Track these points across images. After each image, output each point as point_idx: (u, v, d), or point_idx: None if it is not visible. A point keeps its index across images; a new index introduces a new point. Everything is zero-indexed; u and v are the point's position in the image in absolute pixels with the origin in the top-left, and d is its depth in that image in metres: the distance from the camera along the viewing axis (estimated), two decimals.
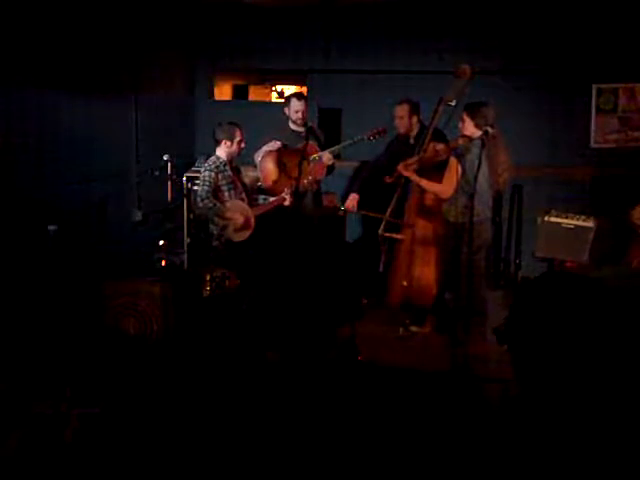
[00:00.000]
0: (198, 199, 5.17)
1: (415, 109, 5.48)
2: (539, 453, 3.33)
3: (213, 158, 5.30)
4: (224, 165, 5.30)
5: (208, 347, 4.54)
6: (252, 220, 5.28)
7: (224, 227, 5.19)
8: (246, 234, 5.26)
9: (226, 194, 5.29)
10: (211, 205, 5.14)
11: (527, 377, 3.85)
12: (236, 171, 5.46)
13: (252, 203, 5.51)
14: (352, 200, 5.54)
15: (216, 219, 5.19)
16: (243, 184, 5.51)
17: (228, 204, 5.24)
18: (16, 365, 4.00)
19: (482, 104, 4.73)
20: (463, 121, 4.75)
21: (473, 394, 3.97)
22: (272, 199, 5.51)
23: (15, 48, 4.86)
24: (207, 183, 5.18)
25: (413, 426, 3.61)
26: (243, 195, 5.40)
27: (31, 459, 3.18)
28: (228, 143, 5.28)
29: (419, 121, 5.48)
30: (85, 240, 5.23)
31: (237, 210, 5.25)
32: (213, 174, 5.20)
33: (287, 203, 5.35)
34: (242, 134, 5.32)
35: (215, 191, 5.21)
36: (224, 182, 5.27)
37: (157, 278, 4.77)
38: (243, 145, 5.35)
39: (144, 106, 6.20)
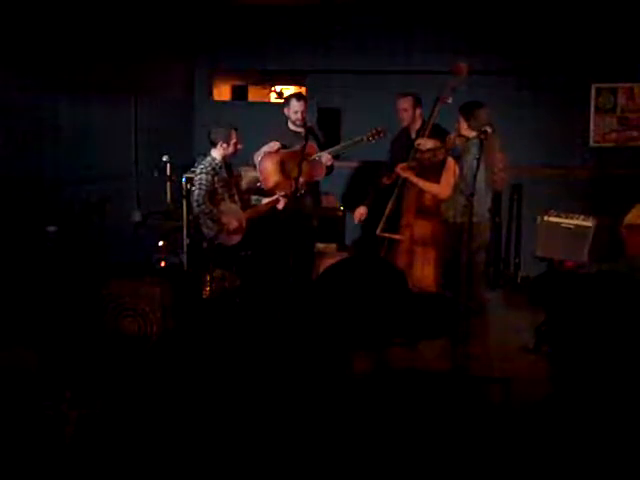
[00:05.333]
0: (194, 204, 5.01)
1: (418, 102, 5.51)
2: (550, 454, 3.34)
3: (208, 159, 5.21)
4: (220, 167, 5.24)
5: (208, 348, 4.54)
6: (244, 223, 5.23)
7: (219, 231, 5.13)
8: (238, 238, 5.21)
9: (221, 196, 5.23)
10: (207, 211, 5.06)
11: (569, 377, 3.75)
12: (230, 172, 5.41)
13: (245, 204, 5.46)
14: (360, 215, 5.50)
15: (211, 224, 5.13)
16: (237, 185, 5.46)
17: (223, 208, 5.15)
18: (16, 366, 4.00)
19: (476, 106, 4.74)
20: (459, 122, 4.76)
21: (473, 394, 3.97)
22: (265, 200, 5.46)
23: (15, 49, 4.87)
24: (203, 186, 5.07)
25: (413, 426, 3.61)
26: (236, 197, 5.35)
27: (31, 460, 3.18)
28: (225, 145, 5.21)
29: (421, 115, 5.50)
30: (85, 240, 5.24)
31: (231, 214, 5.18)
32: (210, 177, 5.11)
33: (280, 206, 5.33)
34: (237, 135, 5.26)
35: (212, 193, 5.15)
36: (220, 184, 5.21)
37: (157, 279, 4.77)
38: (239, 146, 5.31)
39: (144, 107, 6.21)
